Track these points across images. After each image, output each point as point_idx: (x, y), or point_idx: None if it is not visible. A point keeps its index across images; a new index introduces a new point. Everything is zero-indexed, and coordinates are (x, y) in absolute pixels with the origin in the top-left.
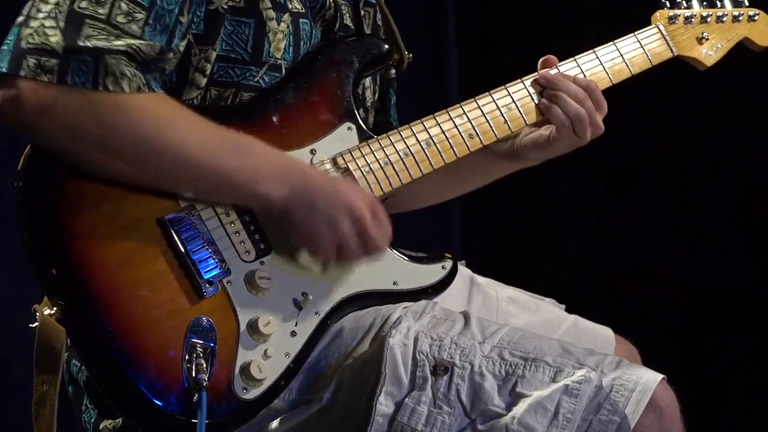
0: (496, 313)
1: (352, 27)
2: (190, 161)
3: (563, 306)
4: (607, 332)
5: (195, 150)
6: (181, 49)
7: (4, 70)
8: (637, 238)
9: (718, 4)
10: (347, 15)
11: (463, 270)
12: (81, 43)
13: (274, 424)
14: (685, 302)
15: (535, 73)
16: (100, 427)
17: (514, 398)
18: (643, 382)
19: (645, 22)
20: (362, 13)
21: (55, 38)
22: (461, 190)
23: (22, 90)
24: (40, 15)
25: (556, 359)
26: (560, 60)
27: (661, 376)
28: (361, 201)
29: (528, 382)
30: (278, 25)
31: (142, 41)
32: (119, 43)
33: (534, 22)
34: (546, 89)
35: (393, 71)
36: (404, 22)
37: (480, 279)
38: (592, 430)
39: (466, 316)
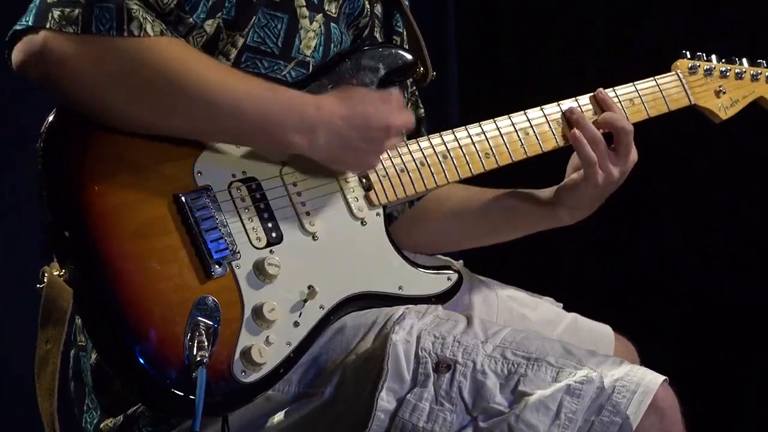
0: (497, 312)
1: (380, 40)
2: (214, 102)
3: (561, 305)
4: (606, 330)
5: (218, 91)
6: (207, 28)
7: (30, 23)
8: (634, 238)
9: (737, 61)
10: (378, 29)
11: (462, 269)
12: None
13: (276, 418)
14: (685, 302)
15: (554, 103)
16: (101, 426)
17: (516, 396)
18: (645, 384)
19: (647, 21)
20: (394, 40)
21: None
22: (492, 238)
23: (48, 42)
24: None
25: (558, 359)
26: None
27: (663, 377)
28: (386, 114)
29: (530, 381)
30: (311, 23)
31: None
32: None
33: (534, 22)
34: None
35: (422, 111)
36: None
37: (479, 278)
38: (593, 430)
39: (468, 317)
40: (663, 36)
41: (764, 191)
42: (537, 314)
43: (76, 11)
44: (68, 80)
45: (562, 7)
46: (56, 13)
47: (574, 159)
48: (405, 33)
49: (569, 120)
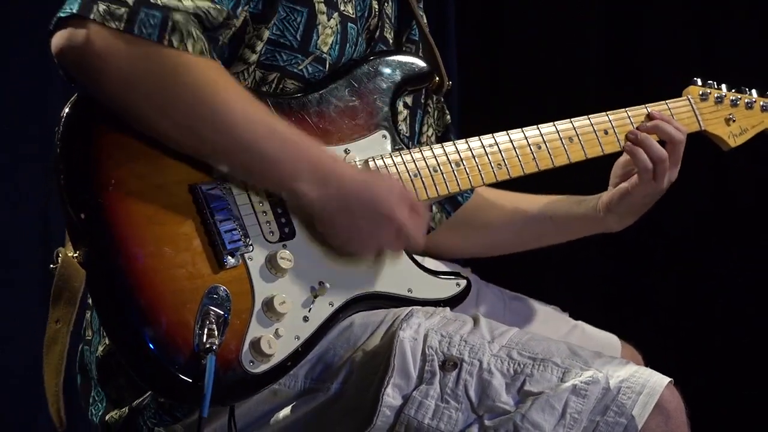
0: (504, 318)
1: (390, 39)
2: (234, 135)
3: (566, 313)
4: (612, 338)
5: (240, 125)
6: (238, 23)
7: (74, 11)
8: (640, 242)
9: (746, 91)
10: (388, 29)
11: (470, 276)
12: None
13: (282, 412)
14: (691, 305)
15: (567, 120)
16: (107, 418)
17: (522, 396)
18: (651, 385)
19: (647, 26)
20: (403, 48)
21: None
22: (537, 243)
23: (90, 33)
24: None
25: (564, 360)
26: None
27: (668, 379)
28: (398, 202)
29: (536, 381)
30: (328, 20)
31: (211, 4)
32: (189, 4)
33: (534, 25)
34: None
35: (448, 117)
36: None
37: (486, 285)
38: (599, 431)
39: (475, 318)
40: (664, 40)
41: (765, 196)
42: (543, 321)
43: (122, 9)
44: (102, 74)
45: (563, 10)
46: (102, 6)
47: (619, 167)
48: (418, 53)
49: (633, 141)
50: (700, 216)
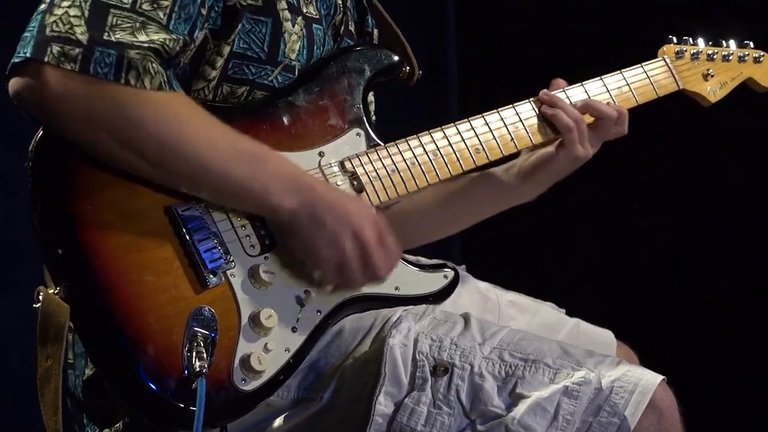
0: (498, 316)
1: (354, 34)
2: (202, 164)
3: (563, 310)
4: (607, 335)
5: (207, 153)
6: (197, 42)
7: (28, 55)
8: (636, 239)
9: (724, 43)
10: (351, 23)
11: (463, 274)
12: (106, 37)
13: (274, 423)
14: (685, 303)
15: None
16: None
17: (513, 399)
18: (643, 384)
19: (645, 15)
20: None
21: (80, 29)
22: (460, 225)
23: (45, 76)
24: (64, 3)
25: (555, 361)
26: (563, 83)
27: (661, 377)
28: (367, 223)
29: (528, 383)
30: (293, 26)
31: (167, 36)
32: (144, 39)
33: (533, 18)
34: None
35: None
36: (404, 26)
37: (480, 283)
38: (591, 431)
39: (466, 318)
40: (662, 26)
41: (764, 193)
42: (539, 319)
43: (77, 50)
44: (62, 116)
45: (563, 10)
46: (56, 48)
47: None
48: (377, 32)
49: (548, 102)
50: (698, 213)
